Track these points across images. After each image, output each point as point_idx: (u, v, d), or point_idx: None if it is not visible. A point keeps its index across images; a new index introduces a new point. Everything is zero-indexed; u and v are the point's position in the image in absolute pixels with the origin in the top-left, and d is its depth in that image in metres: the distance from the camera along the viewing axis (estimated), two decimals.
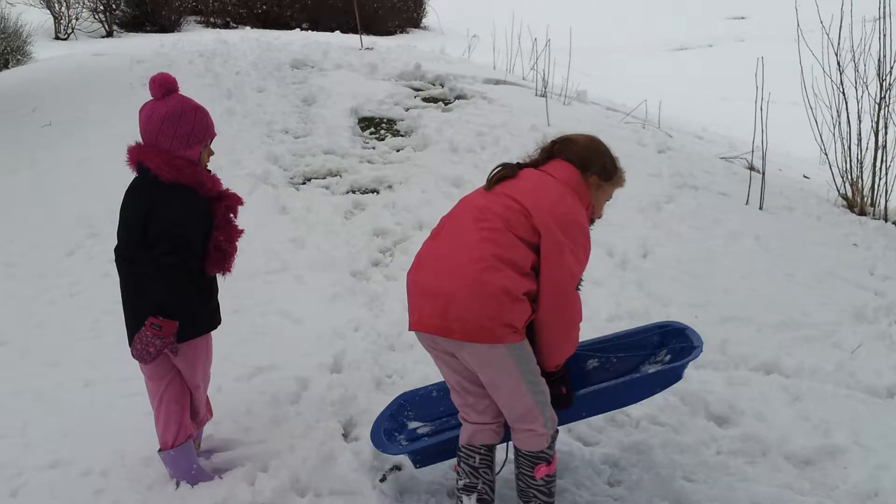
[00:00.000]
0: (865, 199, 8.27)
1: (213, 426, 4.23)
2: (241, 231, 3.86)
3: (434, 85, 10.35)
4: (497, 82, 11.05)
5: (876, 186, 8.22)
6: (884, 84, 8.06)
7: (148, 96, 3.70)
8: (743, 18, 22.12)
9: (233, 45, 12.18)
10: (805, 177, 9.69)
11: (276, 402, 4.44)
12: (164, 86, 3.70)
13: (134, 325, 3.71)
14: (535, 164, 3.69)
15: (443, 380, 3.84)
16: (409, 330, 3.49)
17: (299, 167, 7.69)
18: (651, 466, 4.07)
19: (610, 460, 4.13)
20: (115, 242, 3.75)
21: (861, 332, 5.43)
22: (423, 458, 3.89)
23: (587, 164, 3.63)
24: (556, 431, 3.57)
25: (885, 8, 7.94)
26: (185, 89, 9.28)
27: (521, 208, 3.39)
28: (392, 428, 4.04)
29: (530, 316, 3.38)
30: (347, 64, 11.06)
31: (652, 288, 5.75)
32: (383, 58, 11.46)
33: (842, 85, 8.24)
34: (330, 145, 8.06)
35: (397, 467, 4.06)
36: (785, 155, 10.37)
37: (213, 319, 3.93)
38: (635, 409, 4.46)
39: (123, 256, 3.72)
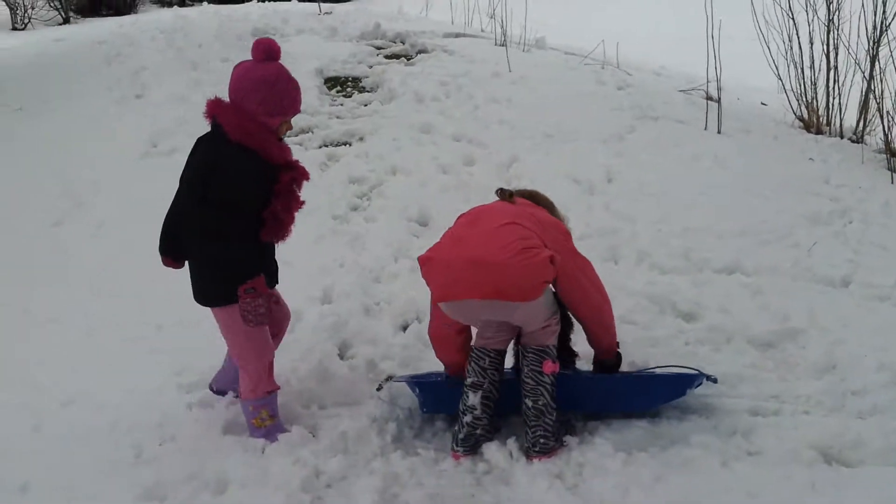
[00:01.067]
0: (821, 118, 8.57)
1: (217, 359, 4.50)
2: (303, 203, 3.93)
3: (395, 42, 10.55)
4: (457, 35, 11.26)
5: (830, 106, 8.51)
6: (831, 6, 8.33)
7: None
8: None
9: (192, 21, 12.28)
10: (763, 104, 9.96)
11: None
12: (266, 50, 3.79)
13: (204, 285, 3.91)
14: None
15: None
16: (452, 300, 3.82)
17: None
18: (626, 357, 4.38)
19: (588, 356, 4.43)
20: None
21: (816, 233, 5.77)
22: (431, 402, 4.17)
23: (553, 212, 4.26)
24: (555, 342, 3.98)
25: None
26: (148, 64, 9.44)
27: (537, 219, 3.92)
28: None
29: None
30: (308, 28, 11.21)
31: (617, 208, 6.06)
32: (343, 21, 11.62)
33: (791, 11, 8.52)
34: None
35: (390, 377, 4.36)
36: (742, 86, 10.63)
37: (274, 279, 4.11)
38: None
39: (190, 219, 3.85)
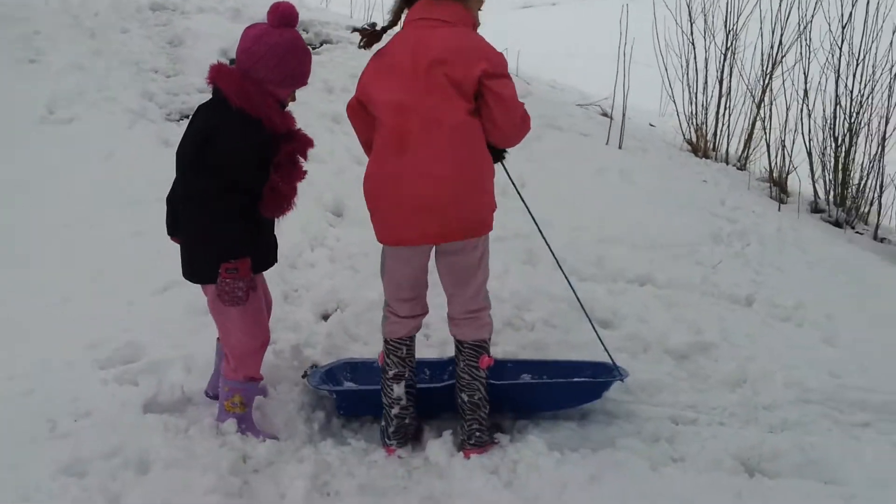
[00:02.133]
0: (709, 143, 8.89)
1: (132, 334, 4.39)
2: (305, 173, 3.73)
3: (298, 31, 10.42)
4: None
5: (718, 132, 8.85)
6: (730, 34, 8.65)
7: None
8: None
9: None
10: (651, 125, 10.26)
11: (192, 313, 4.60)
12: (284, 15, 3.58)
13: (193, 260, 3.73)
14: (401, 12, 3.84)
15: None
16: (398, 244, 3.77)
17: (175, 104, 7.70)
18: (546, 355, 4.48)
19: (510, 356, 4.50)
20: None
21: (719, 252, 5.99)
22: (348, 406, 4.13)
23: None
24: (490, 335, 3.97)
25: None
26: (42, 29, 9.04)
27: (453, 80, 3.59)
28: (328, 379, 4.25)
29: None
30: (210, 8, 10.89)
31: (533, 213, 6.12)
32: (244, 3, 11.39)
33: (691, 35, 8.81)
34: (204, 84, 8.02)
35: (315, 365, 4.35)
36: (629, 107, 10.94)
37: (271, 256, 3.92)
38: (528, 314, 4.85)
39: (182, 187, 3.71)
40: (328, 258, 5.38)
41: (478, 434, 3.88)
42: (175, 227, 3.88)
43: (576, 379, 4.29)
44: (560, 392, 4.21)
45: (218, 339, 4.06)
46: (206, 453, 3.67)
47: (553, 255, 4.43)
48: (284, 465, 3.70)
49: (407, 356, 3.96)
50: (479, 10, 3.86)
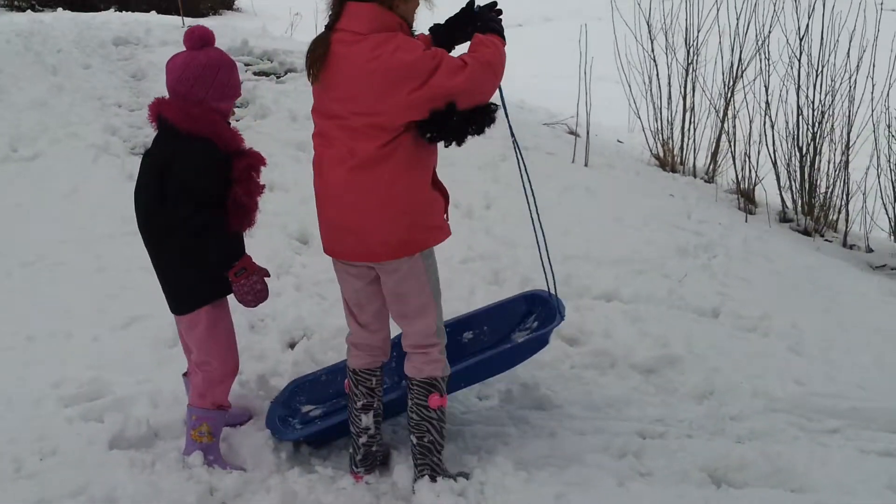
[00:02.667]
0: (676, 158, 8.95)
1: (97, 370, 4.37)
2: (263, 187, 3.74)
3: (263, 60, 10.44)
4: None
5: (685, 146, 8.91)
6: (690, 51, 8.73)
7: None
8: None
9: (49, 25, 11.82)
10: (619, 141, 10.31)
11: (158, 346, 4.60)
12: (202, 37, 3.64)
13: (188, 287, 3.74)
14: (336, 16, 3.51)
15: (329, 364, 4.34)
16: (332, 256, 3.74)
17: (139, 138, 7.68)
18: (514, 381, 4.48)
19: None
20: None
21: (685, 265, 6.02)
22: (318, 440, 4.12)
23: None
24: (448, 374, 3.80)
25: None
26: (4, 67, 9.05)
27: (370, 123, 3.44)
28: (286, 414, 4.23)
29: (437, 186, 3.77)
30: (173, 41, 10.94)
31: (498, 233, 6.16)
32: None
33: (653, 52, 8.88)
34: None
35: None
36: (596, 125, 11.00)
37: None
38: None
39: (150, 226, 3.70)
40: (294, 286, 5.37)
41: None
42: None
43: (522, 339, 4.31)
44: (511, 355, 4.24)
45: (184, 374, 4.06)
46: (172, 488, 3.64)
47: (542, 233, 4.43)
48: (252, 496, 3.67)
49: (376, 387, 3.90)
50: (415, 10, 3.60)
